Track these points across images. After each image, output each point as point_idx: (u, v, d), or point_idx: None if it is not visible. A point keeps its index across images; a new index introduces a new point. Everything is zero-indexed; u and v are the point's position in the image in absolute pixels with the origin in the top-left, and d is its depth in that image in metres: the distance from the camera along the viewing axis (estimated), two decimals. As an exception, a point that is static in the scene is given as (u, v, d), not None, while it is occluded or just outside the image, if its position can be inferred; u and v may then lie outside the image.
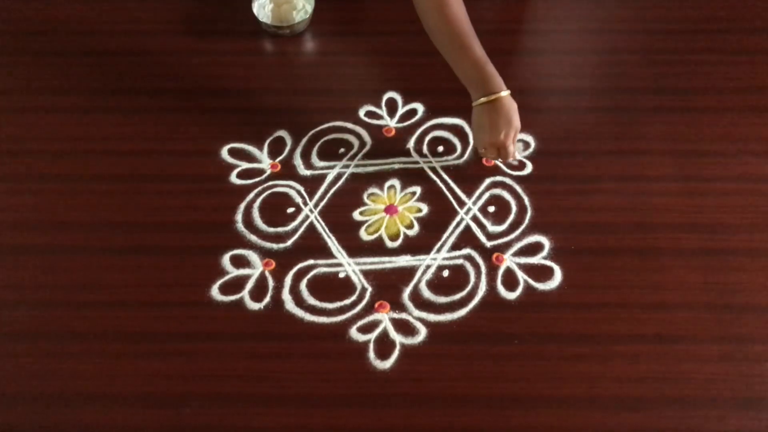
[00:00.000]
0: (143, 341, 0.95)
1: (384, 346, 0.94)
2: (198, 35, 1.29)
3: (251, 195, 1.08)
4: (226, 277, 1.00)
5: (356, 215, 1.06)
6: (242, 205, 1.07)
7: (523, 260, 1.01)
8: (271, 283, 0.99)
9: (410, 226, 1.05)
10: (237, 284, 0.99)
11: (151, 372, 0.92)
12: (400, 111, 1.18)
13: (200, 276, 1.00)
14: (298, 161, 1.12)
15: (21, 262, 1.02)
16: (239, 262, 1.01)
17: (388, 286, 0.99)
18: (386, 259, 1.02)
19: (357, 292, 0.98)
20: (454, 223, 1.05)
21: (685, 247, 1.02)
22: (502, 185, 1.09)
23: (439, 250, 1.02)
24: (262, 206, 1.07)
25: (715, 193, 1.07)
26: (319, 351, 0.94)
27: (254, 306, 0.97)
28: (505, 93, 1.00)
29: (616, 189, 1.08)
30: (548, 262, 1.00)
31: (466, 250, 1.02)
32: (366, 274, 1.00)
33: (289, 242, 1.03)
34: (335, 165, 1.12)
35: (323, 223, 1.05)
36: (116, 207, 1.07)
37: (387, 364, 0.93)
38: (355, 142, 1.14)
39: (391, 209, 1.07)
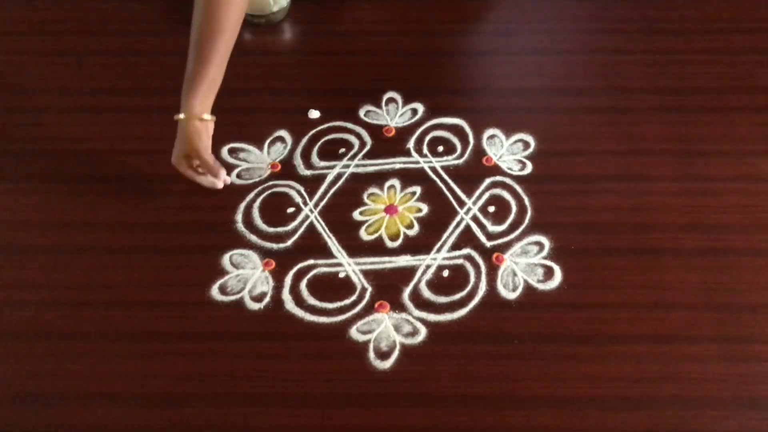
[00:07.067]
0: (143, 341, 0.94)
1: (384, 346, 0.94)
2: (198, 35, 1.28)
3: (251, 195, 1.08)
4: (226, 277, 1.00)
5: (356, 215, 1.06)
6: (242, 205, 1.07)
7: (523, 260, 1.01)
8: (271, 283, 0.99)
9: (410, 226, 1.05)
10: (237, 284, 0.99)
11: (151, 372, 0.92)
12: (400, 111, 1.18)
13: (200, 276, 1.00)
14: (298, 161, 1.12)
15: (22, 262, 1.02)
16: (239, 262, 1.01)
17: (388, 286, 0.99)
18: (386, 259, 1.02)
19: (357, 292, 0.98)
20: (454, 223, 1.05)
21: (685, 247, 1.01)
22: (502, 185, 1.09)
23: (439, 250, 1.02)
24: (262, 206, 1.07)
25: (715, 193, 1.07)
26: (319, 351, 0.93)
27: (254, 306, 0.97)
28: (182, 116, 1.00)
29: (616, 189, 1.08)
30: (548, 262, 1.00)
31: (466, 250, 1.02)
32: (366, 274, 1.00)
33: (289, 242, 1.03)
34: (335, 165, 1.11)
35: (323, 223, 1.05)
36: (116, 207, 1.07)
37: (387, 364, 0.92)
38: (355, 142, 1.14)
39: (391, 209, 1.07)
